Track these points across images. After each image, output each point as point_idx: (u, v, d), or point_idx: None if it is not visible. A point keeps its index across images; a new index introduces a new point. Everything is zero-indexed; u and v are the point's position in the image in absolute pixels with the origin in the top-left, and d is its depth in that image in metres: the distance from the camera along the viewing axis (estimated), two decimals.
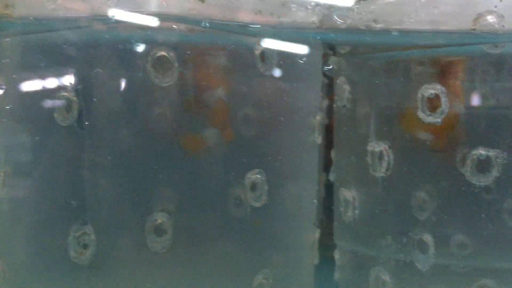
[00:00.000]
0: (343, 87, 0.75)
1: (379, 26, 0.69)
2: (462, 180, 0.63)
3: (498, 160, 0.62)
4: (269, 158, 0.64)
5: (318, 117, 0.72)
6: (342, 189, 0.74)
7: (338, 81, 0.76)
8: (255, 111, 0.63)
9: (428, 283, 0.65)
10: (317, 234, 0.72)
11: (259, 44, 0.63)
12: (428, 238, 0.65)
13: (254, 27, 0.63)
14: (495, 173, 0.62)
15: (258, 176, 0.63)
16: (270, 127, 0.64)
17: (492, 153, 0.62)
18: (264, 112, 0.63)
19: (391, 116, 0.70)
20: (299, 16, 0.72)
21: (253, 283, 0.62)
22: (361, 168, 0.71)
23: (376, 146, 0.69)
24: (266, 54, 0.63)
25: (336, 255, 0.78)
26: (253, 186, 0.62)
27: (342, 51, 0.77)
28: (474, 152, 0.62)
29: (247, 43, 0.63)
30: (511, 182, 0.63)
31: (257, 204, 0.62)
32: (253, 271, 0.62)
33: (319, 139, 0.72)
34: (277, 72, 0.65)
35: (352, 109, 0.74)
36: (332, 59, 0.79)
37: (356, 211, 0.72)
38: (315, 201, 0.70)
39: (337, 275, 0.78)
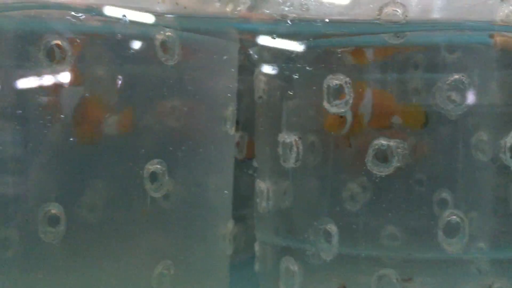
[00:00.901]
0: (259, 77, 0.75)
1: (291, 15, 0.69)
2: (365, 170, 0.64)
3: (398, 150, 0.63)
4: (171, 148, 0.64)
5: (230, 108, 0.71)
6: (258, 180, 0.74)
7: (255, 71, 0.76)
8: (155, 102, 0.63)
9: (333, 273, 0.65)
10: (230, 225, 0.72)
11: (160, 33, 0.63)
12: (332, 228, 0.65)
13: (156, 15, 0.63)
14: (395, 163, 0.62)
15: (158, 166, 0.62)
16: (172, 118, 0.64)
17: (392, 143, 0.62)
18: (165, 102, 0.63)
19: (301, 107, 0.70)
20: (213, 5, 0.71)
21: (153, 274, 0.62)
22: (274, 160, 0.71)
23: (287, 137, 0.69)
24: (167, 44, 0.63)
25: (256, 246, 0.78)
26: (153, 177, 0.62)
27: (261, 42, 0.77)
28: (375, 142, 0.63)
29: (148, 32, 0.62)
30: (411, 172, 0.63)
31: (157, 195, 0.62)
32: (152, 262, 0.62)
33: (231, 131, 0.72)
34: (181, 62, 0.65)
35: (267, 100, 0.74)
36: (253, 49, 0.79)
37: (270, 202, 0.72)
38: (226, 192, 0.70)
39: (256, 266, 0.78)
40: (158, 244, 0.63)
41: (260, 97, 0.75)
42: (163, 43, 0.63)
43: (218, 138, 0.70)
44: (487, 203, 0.64)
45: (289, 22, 0.69)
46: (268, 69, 0.74)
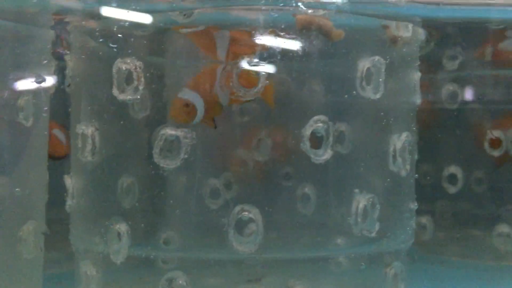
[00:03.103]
0: (69, 64, 0.70)
1: None
2: (154, 164, 0.58)
3: (186, 140, 0.57)
4: None
5: (25, 98, 0.66)
6: (65, 175, 0.69)
7: (67, 58, 0.71)
8: None
9: (125, 275, 0.60)
10: (30, 226, 0.66)
11: None
12: (123, 228, 0.60)
13: None
14: (183, 154, 0.57)
15: None
16: None
17: (180, 133, 0.57)
18: None
19: (99, 95, 0.64)
20: None
21: None
22: (75, 153, 0.66)
23: (85, 129, 0.64)
24: None
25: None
26: None
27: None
28: (162, 132, 0.58)
29: None
30: (203, 163, 0.58)
31: None
32: None
33: (29, 122, 0.66)
34: None
35: (74, 89, 0.69)
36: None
37: (74, 201, 0.66)
38: (18, 190, 0.64)
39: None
40: None
41: (69, 85, 0.69)
42: None
43: (12, 130, 0.64)
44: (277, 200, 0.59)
45: None
46: (74, 54, 0.68)
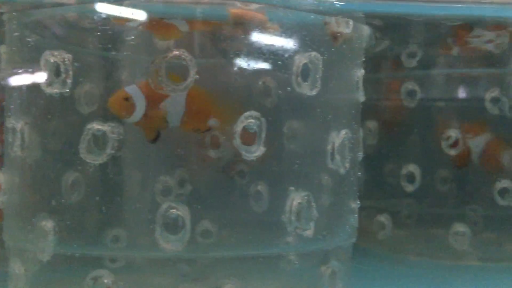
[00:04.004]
0: (3, 56, 0.68)
1: None
2: (78, 159, 0.57)
3: (113, 135, 0.56)
4: None
5: None
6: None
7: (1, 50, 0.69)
8: None
9: (52, 273, 0.58)
10: None
11: None
12: (48, 225, 0.58)
13: None
14: (109, 149, 0.56)
15: None
16: None
17: (107, 127, 0.56)
18: None
19: (29, 88, 0.62)
20: None
21: None
22: (7, 148, 0.64)
23: (14, 123, 0.62)
24: None
25: None
26: None
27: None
28: (89, 127, 0.56)
29: None
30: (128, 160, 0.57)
31: None
32: None
33: None
34: None
35: (7, 82, 0.67)
36: None
37: (5, 197, 0.65)
38: None
39: None
40: None
41: (2, 79, 0.67)
42: None
43: None
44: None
45: None
46: (8, 45, 0.66)
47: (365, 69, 1.07)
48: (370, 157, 1.11)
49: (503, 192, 1.01)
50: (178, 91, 0.54)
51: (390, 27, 0.92)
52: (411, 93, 1.05)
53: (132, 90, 0.57)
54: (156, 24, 0.57)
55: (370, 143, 1.09)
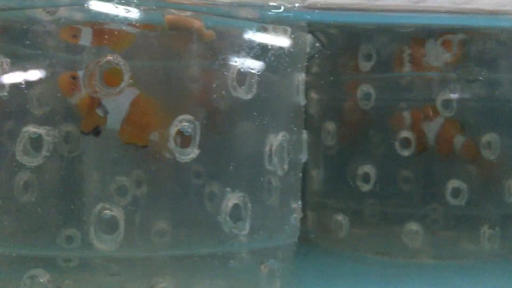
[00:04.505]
0: None
1: None
2: (15, 161, 0.58)
3: (48, 137, 0.57)
4: None
5: None
6: None
7: None
8: None
9: None
10: None
11: None
12: None
13: None
14: (44, 152, 0.57)
15: None
16: None
17: (42, 130, 0.57)
18: None
19: None
20: None
21: None
22: None
23: None
24: None
25: None
26: None
27: None
28: (24, 129, 0.57)
29: None
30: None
31: None
32: None
33: None
34: None
35: None
36: None
37: None
38: None
39: None
40: None
41: None
42: None
43: None
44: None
45: None
46: None
47: (323, 72, 1.11)
48: (329, 157, 1.14)
49: (456, 191, 1.04)
50: (112, 95, 0.55)
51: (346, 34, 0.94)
52: (366, 96, 1.07)
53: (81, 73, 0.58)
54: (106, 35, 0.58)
55: (328, 144, 1.12)
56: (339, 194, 1.14)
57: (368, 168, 1.06)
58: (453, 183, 1.03)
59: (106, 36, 0.56)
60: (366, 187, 1.06)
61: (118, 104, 0.57)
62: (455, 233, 1.07)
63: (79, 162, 0.57)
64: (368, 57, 1.02)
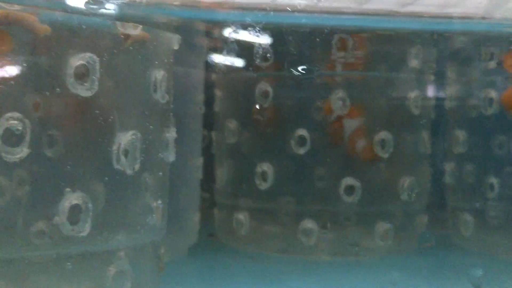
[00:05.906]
0: None
1: None
2: None
3: None
4: None
5: None
6: None
7: None
8: None
9: None
10: None
11: None
12: None
13: None
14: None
15: None
16: None
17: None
18: None
19: None
20: None
21: None
22: None
23: None
24: None
25: None
26: None
27: None
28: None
29: None
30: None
31: None
32: None
33: None
34: None
35: None
36: None
37: None
38: None
39: None
40: None
41: None
42: None
43: None
44: None
45: None
46: None
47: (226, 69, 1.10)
48: (231, 156, 1.14)
49: (349, 189, 1.05)
50: None
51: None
52: (264, 94, 1.07)
53: None
54: None
55: (230, 142, 1.12)
56: (240, 193, 1.14)
57: (266, 166, 1.07)
58: (347, 181, 1.05)
59: None
60: (264, 185, 1.07)
61: None
62: (351, 231, 1.08)
63: None
64: (265, 57, 1.03)
